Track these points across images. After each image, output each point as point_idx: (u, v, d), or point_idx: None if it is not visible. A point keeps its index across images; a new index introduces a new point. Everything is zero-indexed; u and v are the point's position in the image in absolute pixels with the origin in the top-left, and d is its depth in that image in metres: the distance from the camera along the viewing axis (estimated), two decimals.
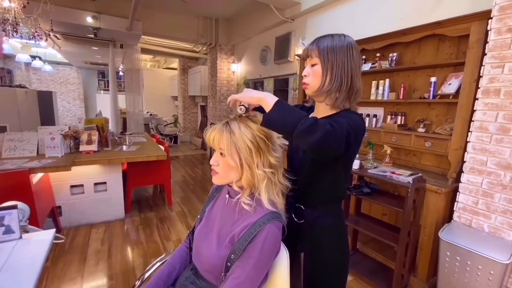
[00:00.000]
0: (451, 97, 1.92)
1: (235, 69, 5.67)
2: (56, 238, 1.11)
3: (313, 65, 0.87)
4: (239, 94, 0.78)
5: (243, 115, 0.80)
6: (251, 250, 0.74)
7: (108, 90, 7.44)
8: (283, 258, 0.89)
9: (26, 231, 1.09)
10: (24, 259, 0.90)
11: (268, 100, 0.72)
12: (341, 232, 0.99)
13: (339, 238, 0.97)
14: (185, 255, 0.99)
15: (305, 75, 0.89)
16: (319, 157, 0.80)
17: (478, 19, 1.66)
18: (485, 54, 1.55)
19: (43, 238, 1.03)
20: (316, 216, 0.93)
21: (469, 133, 1.64)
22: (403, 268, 1.82)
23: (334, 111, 0.89)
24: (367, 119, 2.58)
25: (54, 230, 1.09)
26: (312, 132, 0.66)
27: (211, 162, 0.83)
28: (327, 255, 0.95)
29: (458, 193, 1.70)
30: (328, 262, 0.96)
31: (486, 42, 1.56)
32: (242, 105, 0.79)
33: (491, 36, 1.51)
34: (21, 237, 1.01)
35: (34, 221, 1.86)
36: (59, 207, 2.57)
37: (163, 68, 9.94)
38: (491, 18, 1.51)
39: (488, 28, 1.53)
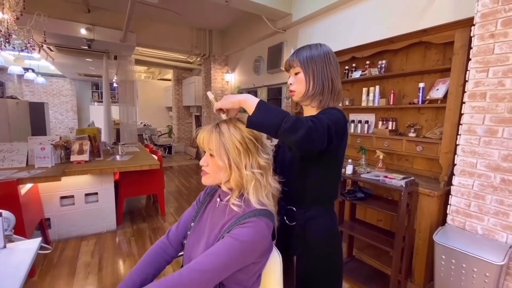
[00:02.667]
0: (439, 101, 1.97)
1: (229, 79, 5.72)
2: (42, 248, 1.07)
3: (296, 74, 0.94)
4: (220, 102, 0.80)
5: (226, 118, 0.83)
6: (233, 232, 0.72)
7: (101, 101, 7.41)
8: (276, 263, 0.87)
9: (11, 241, 1.05)
10: (7, 268, 0.86)
11: (249, 102, 0.75)
12: (334, 235, 0.97)
13: (332, 242, 0.96)
14: (161, 259, 0.92)
15: (291, 84, 0.97)
16: (304, 153, 0.83)
17: (461, 26, 1.73)
18: (470, 60, 1.60)
19: (28, 247, 0.99)
20: (308, 218, 0.93)
21: (458, 136, 1.67)
22: (400, 274, 1.80)
23: (318, 111, 0.94)
24: (359, 125, 2.62)
25: (40, 239, 1.05)
26: (296, 130, 0.70)
27: (201, 162, 0.83)
28: (319, 258, 0.94)
29: (450, 196, 1.70)
30: (320, 265, 0.94)
31: (470, 48, 1.61)
32: (221, 109, 0.82)
33: (475, 42, 1.57)
34: (5, 247, 0.98)
35: (22, 233, 1.80)
36: (48, 219, 2.49)
37: (158, 79, 9.98)
38: (474, 25, 1.57)
39: (472, 35, 1.59)
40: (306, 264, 0.95)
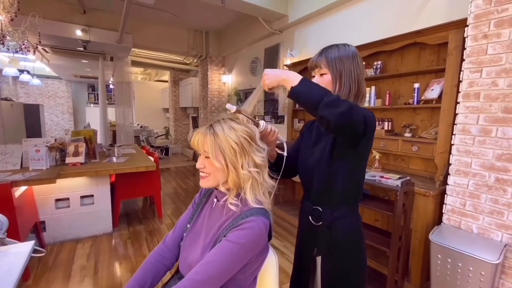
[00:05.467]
0: (434, 102, 1.98)
1: (225, 80, 5.72)
2: (35, 251, 1.06)
3: (322, 75, 0.91)
4: (267, 79, 0.82)
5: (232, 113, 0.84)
6: (231, 235, 0.73)
7: (98, 103, 7.35)
8: (272, 264, 0.87)
9: (4, 244, 1.04)
10: None
11: (290, 79, 0.78)
12: (360, 234, 0.96)
13: (357, 241, 0.95)
14: (160, 265, 0.92)
15: None
16: (341, 132, 0.79)
17: (455, 27, 1.74)
18: (464, 60, 1.61)
19: (21, 250, 0.98)
20: (334, 218, 0.91)
21: (453, 136, 1.68)
22: (396, 274, 1.80)
23: None
24: None
25: (33, 242, 1.04)
26: (337, 105, 0.71)
27: (198, 165, 0.82)
28: (345, 257, 0.92)
29: (446, 195, 1.71)
30: (347, 264, 0.93)
31: (464, 48, 1.63)
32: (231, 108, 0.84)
33: (468, 43, 1.58)
34: None
35: (16, 237, 1.77)
36: (43, 222, 2.47)
37: (154, 81, 9.95)
38: (467, 26, 1.58)
39: (465, 35, 1.60)
40: (332, 264, 0.93)
